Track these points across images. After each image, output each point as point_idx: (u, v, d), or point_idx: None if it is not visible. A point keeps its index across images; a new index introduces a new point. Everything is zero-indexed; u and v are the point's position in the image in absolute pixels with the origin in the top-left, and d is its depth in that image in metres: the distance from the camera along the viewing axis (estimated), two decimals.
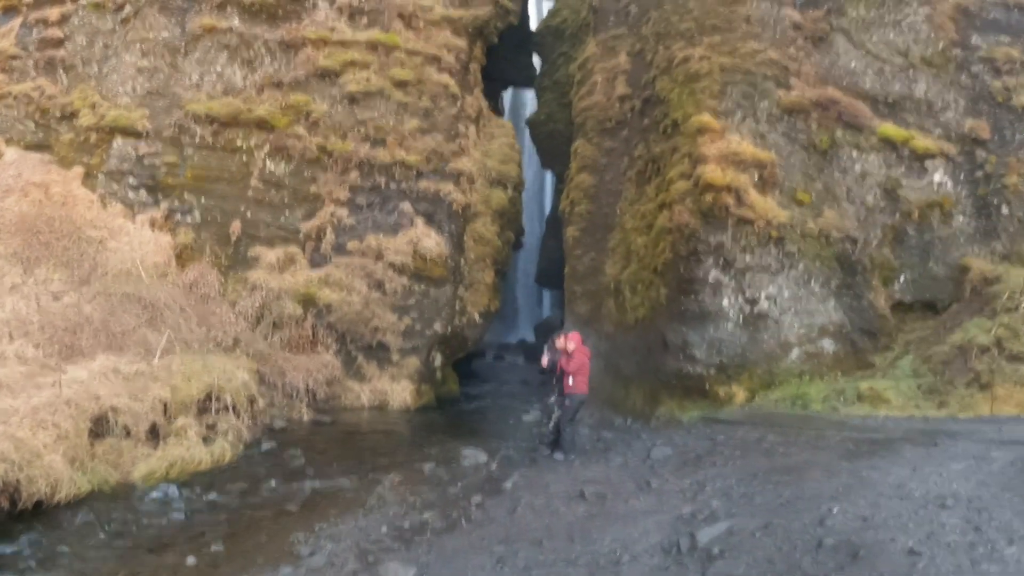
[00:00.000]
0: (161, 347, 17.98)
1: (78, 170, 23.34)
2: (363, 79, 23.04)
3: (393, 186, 22.45)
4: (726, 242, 17.32)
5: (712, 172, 17.49)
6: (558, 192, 34.82)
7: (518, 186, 25.46)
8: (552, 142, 28.37)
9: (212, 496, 12.39)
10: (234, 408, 16.85)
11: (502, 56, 31.23)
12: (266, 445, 15.94)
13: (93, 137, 23.35)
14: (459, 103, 23.75)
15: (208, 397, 16.54)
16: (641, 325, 19.35)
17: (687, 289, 17.52)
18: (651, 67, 21.45)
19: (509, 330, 39.74)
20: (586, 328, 21.00)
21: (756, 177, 17.94)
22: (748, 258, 17.37)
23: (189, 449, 14.53)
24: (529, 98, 36.20)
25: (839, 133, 18.63)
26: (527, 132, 33.02)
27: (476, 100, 25.31)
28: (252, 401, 17.60)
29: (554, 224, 34.39)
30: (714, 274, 17.30)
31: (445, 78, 23.56)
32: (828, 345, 17.46)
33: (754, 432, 13.80)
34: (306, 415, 18.66)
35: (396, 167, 22.46)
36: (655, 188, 20.15)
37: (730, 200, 17.35)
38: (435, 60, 23.72)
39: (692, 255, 17.43)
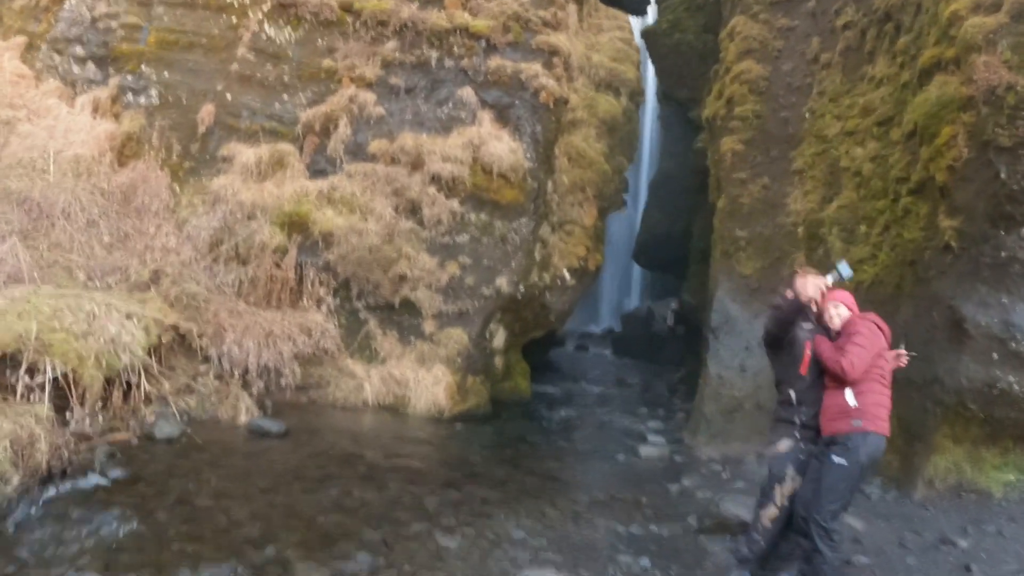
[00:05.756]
0: None
1: (19, 40, 14.25)
2: None
3: (449, 63, 12.53)
4: None
5: None
6: (668, 145, 24.54)
7: (636, 95, 15.38)
8: (679, 59, 18.02)
9: None
10: (68, 389, 7.23)
11: None
12: (95, 479, 6.19)
13: None
14: None
15: (8, 361, 6.96)
16: (871, 296, 9.16)
17: (1016, 216, 7.34)
18: None
19: (590, 317, 29.28)
20: (753, 301, 10.90)
21: None
22: None
23: None
24: None
25: None
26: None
27: None
28: (123, 383, 7.91)
29: (659, 189, 24.11)
30: None
31: None
32: None
33: None
34: (243, 414, 8.80)
35: (456, 36, 12.55)
36: (894, 58, 10.21)
37: None
38: None
39: None
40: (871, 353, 5.18)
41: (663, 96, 21.00)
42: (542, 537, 6.05)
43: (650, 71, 21.67)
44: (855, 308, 5.66)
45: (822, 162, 11.05)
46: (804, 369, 5.34)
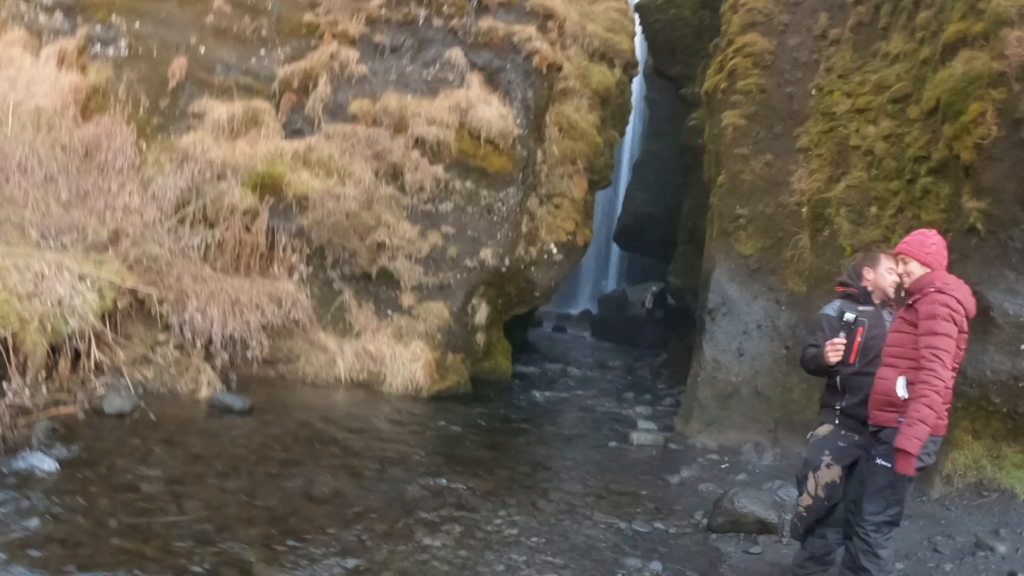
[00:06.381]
0: None
1: None
2: None
3: (437, 23, 11.62)
4: None
5: None
6: (654, 125, 23.74)
7: (629, 67, 14.61)
8: (673, 34, 17.20)
9: None
10: (7, 355, 6.35)
11: None
12: (31, 459, 5.35)
13: None
14: None
15: None
16: None
17: None
18: None
19: (566, 299, 28.49)
20: (753, 282, 10.22)
21: None
22: None
23: None
24: None
25: None
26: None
27: None
28: (71, 350, 7.04)
29: (643, 169, 23.37)
30: None
31: None
32: None
33: None
34: (205, 388, 7.96)
35: None
36: (912, 33, 9.47)
37: None
38: None
39: None
40: (954, 343, 4.26)
41: (653, 73, 20.14)
42: (538, 535, 5.28)
43: (638, 48, 20.88)
44: (935, 263, 4.33)
45: (829, 140, 10.34)
46: (853, 356, 4.61)
